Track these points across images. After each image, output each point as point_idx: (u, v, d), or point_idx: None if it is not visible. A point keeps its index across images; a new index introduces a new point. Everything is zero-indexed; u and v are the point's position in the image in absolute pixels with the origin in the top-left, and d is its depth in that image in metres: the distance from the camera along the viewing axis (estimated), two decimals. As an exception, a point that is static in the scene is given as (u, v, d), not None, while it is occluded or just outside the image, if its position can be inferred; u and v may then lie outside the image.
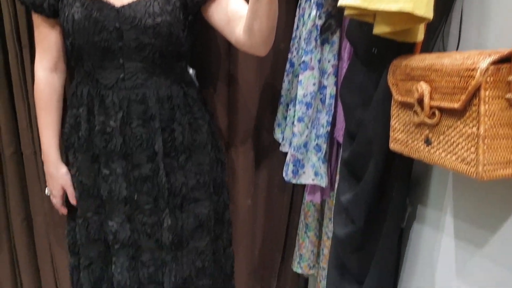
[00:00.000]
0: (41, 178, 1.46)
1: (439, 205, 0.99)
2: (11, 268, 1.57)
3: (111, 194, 1.21)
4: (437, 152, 0.78)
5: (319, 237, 1.59)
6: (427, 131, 0.80)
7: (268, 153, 1.63)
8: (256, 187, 1.66)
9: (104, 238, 1.26)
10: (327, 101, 1.25)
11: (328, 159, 1.33)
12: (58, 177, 1.25)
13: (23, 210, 1.51)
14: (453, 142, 0.74)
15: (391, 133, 0.90)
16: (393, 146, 0.90)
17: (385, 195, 1.05)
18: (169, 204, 1.22)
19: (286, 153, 1.39)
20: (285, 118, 1.44)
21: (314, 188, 1.40)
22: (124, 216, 1.22)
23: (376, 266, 1.12)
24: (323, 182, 1.31)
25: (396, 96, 0.87)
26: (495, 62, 0.67)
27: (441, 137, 0.77)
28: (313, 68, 1.23)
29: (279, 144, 1.49)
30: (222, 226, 1.40)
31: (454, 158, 0.74)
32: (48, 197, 1.44)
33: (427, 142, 0.80)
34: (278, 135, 1.48)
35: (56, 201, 1.29)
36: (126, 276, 1.24)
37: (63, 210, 1.30)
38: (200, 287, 1.32)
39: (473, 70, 0.68)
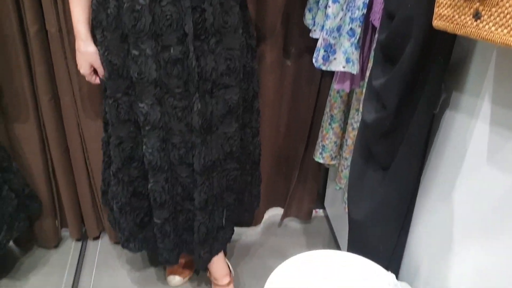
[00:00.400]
0: (68, 57, 1.45)
1: (477, 90, 0.96)
2: (41, 146, 1.62)
3: (141, 76, 1.20)
4: (487, 27, 0.74)
5: (343, 129, 1.58)
6: (477, 4, 0.75)
7: (297, 41, 1.58)
8: (283, 77, 1.64)
9: (134, 119, 1.27)
10: (365, -20, 1.17)
11: (361, 46, 1.28)
12: (86, 54, 1.24)
13: (51, 90, 1.52)
14: (507, 13, 0.69)
15: (436, 9, 0.85)
16: (436, 23, 0.85)
17: (420, 79, 1.02)
18: (199, 89, 1.21)
19: (315, 41, 1.35)
20: (317, 2, 1.37)
21: (343, 76, 1.37)
22: (155, 98, 1.22)
23: (403, 152, 1.12)
24: (354, 69, 1.27)
25: (447, -34, 0.80)
26: None
27: (493, 9, 0.72)
28: None
29: (309, 31, 1.43)
30: (251, 114, 1.40)
31: (505, 31, 0.70)
32: (76, 77, 1.44)
33: (476, 16, 0.76)
34: (308, 20, 1.42)
35: (87, 77, 1.29)
36: (157, 157, 1.26)
37: (97, 81, 1.31)
38: (227, 170, 1.36)
39: None
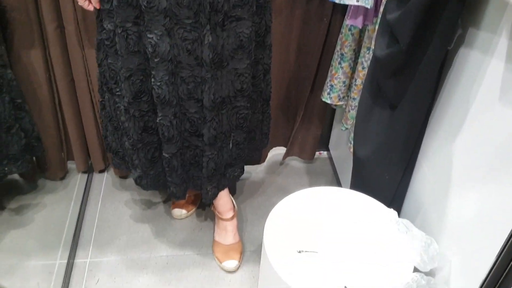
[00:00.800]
0: (73, -15, 1.41)
1: (494, 27, 0.93)
2: (47, 76, 1.61)
3: (150, 5, 1.16)
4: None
5: (353, 69, 1.56)
6: None
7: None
8: (292, 12, 1.60)
9: (143, 50, 1.25)
10: None
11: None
12: None
13: (56, 19, 1.49)
14: None
15: None
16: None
17: (436, 14, 0.99)
18: (210, 21, 1.18)
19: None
20: None
21: (356, 11, 1.33)
22: (164, 29, 1.19)
23: (413, 89, 1.11)
24: (368, 3, 1.23)
25: None
26: None
27: None
28: None
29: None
30: (263, 50, 1.37)
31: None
32: (80, 6, 1.40)
33: None
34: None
35: (80, 2, 1.26)
36: (166, 90, 1.25)
37: (90, 8, 1.27)
38: (237, 108, 1.35)
39: None
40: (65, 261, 1.57)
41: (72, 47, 1.55)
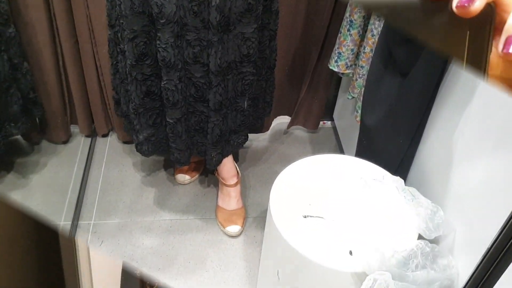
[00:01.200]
0: None
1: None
2: (51, 37, 1.59)
3: None
4: None
5: (362, 36, 1.54)
6: None
7: None
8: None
9: (149, 12, 1.22)
10: None
11: None
12: None
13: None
14: None
15: None
16: None
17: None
18: None
19: None
20: None
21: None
22: None
23: (425, 57, 1.09)
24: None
25: None
26: None
27: None
28: None
29: None
30: (269, 15, 1.35)
31: None
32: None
33: None
34: None
35: None
36: (171, 53, 1.23)
37: None
38: (243, 74, 1.33)
39: None
40: (69, 222, 1.58)
41: (77, 7, 1.52)
